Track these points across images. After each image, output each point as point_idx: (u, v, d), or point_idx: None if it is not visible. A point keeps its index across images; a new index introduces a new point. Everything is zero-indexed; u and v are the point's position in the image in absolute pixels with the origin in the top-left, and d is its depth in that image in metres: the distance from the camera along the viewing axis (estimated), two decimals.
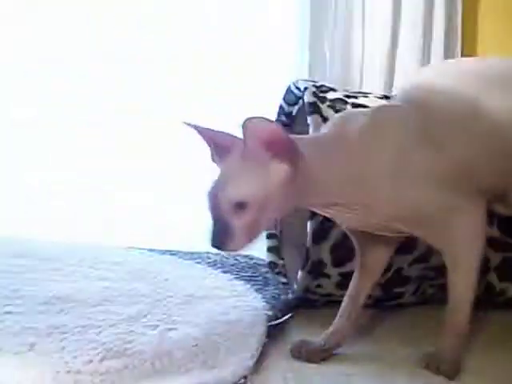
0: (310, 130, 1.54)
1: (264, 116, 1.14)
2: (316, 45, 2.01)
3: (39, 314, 1.24)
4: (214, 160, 1.24)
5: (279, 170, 1.17)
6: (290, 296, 1.57)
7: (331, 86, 1.73)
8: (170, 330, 1.21)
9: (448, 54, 1.94)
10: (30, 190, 2.26)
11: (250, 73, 2.24)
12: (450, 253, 1.28)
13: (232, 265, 1.74)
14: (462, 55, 1.97)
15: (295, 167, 1.18)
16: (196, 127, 1.24)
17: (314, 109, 1.57)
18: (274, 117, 1.82)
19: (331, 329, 1.33)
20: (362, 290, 1.36)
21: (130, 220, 2.18)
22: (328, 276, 1.55)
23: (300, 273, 1.55)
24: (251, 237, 1.17)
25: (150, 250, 1.82)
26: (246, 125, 1.13)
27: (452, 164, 1.25)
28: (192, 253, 1.84)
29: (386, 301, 1.62)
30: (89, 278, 1.49)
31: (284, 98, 1.78)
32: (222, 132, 1.24)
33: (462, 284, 1.28)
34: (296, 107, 1.76)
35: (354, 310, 1.35)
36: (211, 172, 1.21)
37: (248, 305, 1.39)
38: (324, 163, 1.23)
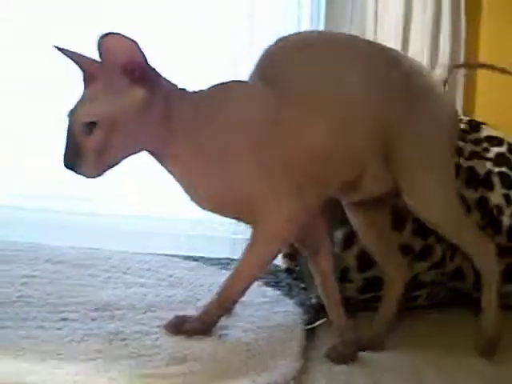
0: None
1: (120, 33, 1.14)
2: None
3: (94, 321, 1.29)
4: (85, 86, 1.24)
5: (134, 93, 1.19)
6: (314, 300, 1.65)
7: None
8: (223, 335, 1.27)
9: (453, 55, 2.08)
10: None
11: None
12: (255, 231, 1.28)
13: None
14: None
15: (152, 96, 1.19)
16: (67, 52, 1.24)
17: None
18: None
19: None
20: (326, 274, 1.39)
21: None
22: (351, 281, 1.64)
23: None
24: (103, 160, 1.18)
25: (174, 256, 1.87)
26: (101, 43, 1.14)
27: (303, 151, 1.25)
28: (212, 259, 1.90)
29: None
30: (126, 284, 1.54)
31: None
32: (92, 59, 1.21)
33: (247, 265, 1.29)
34: None
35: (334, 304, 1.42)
36: None
37: (284, 310, 1.46)
38: (175, 113, 1.23)
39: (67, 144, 1.18)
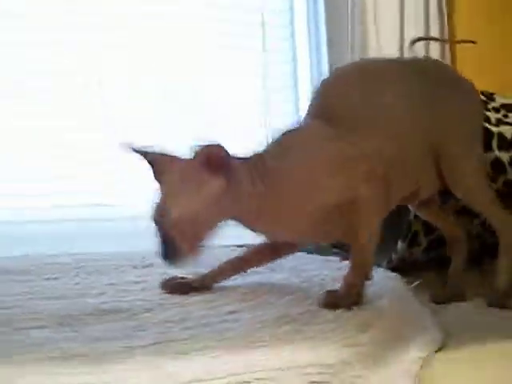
0: None
1: (215, 141, 1.30)
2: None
3: (253, 309, 1.34)
4: (155, 178, 1.38)
5: (216, 185, 1.31)
6: (385, 265, 1.82)
7: None
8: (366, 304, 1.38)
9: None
10: None
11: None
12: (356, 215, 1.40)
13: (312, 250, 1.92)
14: None
15: (230, 182, 1.32)
16: (137, 150, 1.38)
17: None
18: None
19: None
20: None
21: None
22: (420, 244, 1.83)
23: (400, 244, 1.82)
24: (197, 249, 1.34)
25: (233, 246, 1.89)
26: (197, 151, 1.30)
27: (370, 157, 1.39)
28: None
29: None
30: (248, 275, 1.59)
31: None
32: (161, 153, 1.38)
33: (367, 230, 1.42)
34: None
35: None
36: None
37: (385, 276, 1.61)
38: (247, 183, 1.36)
39: (161, 241, 1.32)
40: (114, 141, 2.35)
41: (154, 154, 1.37)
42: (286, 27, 2.58)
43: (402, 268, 1.83)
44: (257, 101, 2.50)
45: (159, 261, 1.71)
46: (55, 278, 1.63)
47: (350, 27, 2.32)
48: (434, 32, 2.36)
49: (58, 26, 2.32)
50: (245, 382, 1.02)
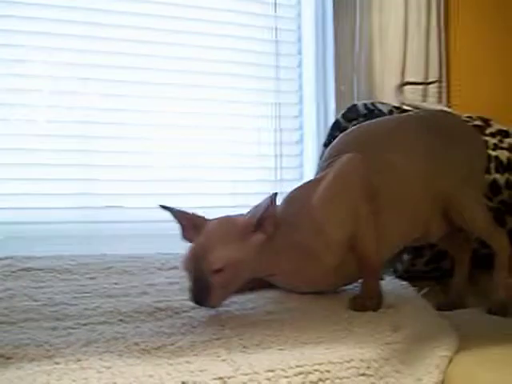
0: None
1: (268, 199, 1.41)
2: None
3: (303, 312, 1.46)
4: (184, 235, 1.47)
5: (258, 239, 1.42)
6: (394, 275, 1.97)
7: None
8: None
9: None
10: None
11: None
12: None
13: None
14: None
15: (268, 236, 1.43)
16: (171, 209, 1.48)
17: None
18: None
19: None
20: None
21: None
22: (423, 256, 1.99)
23: (406, 256, 1.97)
24: (227, 294, 1.42)
25: None
26: (254, 210, 1.43)
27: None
28: None
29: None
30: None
31: (344, 115, 2.17)
32: (195, 214, 1.48)
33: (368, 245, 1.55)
34: (354, 122, 2.15)
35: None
36: None
37: (400, 285, 1.76)
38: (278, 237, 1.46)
39: (197, 284, 1.37)
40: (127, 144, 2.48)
41: (186, 213, 1.46)
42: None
43: (406, 278, 1.98)
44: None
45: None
46: (93, 278, 1.71)
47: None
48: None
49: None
50: (307, 372, 1.15)
